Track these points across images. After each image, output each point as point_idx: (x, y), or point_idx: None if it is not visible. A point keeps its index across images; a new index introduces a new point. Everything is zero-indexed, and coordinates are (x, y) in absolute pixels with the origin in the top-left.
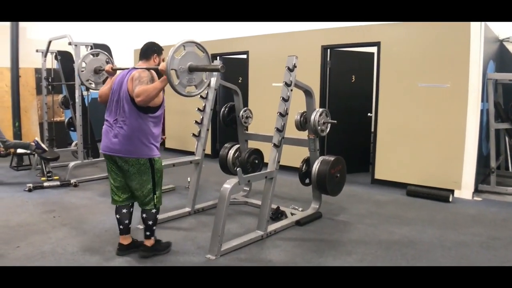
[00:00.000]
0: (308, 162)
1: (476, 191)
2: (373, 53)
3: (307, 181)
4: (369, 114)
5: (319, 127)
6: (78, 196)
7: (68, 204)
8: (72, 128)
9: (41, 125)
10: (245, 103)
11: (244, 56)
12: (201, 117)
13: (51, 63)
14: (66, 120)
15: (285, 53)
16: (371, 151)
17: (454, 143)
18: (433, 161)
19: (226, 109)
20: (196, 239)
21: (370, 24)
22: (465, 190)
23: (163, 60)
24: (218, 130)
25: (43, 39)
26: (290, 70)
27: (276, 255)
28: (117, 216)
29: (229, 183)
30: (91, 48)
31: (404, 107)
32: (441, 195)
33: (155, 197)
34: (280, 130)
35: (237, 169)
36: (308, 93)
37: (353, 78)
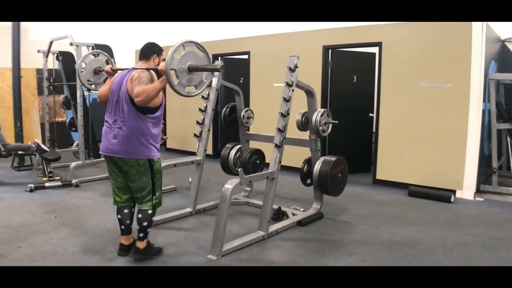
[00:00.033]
0: (309, 162)
1: (478, 191)
2: (374, 53)
3: (308, 181)
4: (370, 114)
5: (320, 128)
6: (80, 197)
7: (70, 204)
8: (73, 129)
9: (42, 125)
10: (247, 104)
11: (246, 57)
12: (203, 117)
13: (53, 63)
14: (68, 121)
15: (286, 53)
16: (372, 151)
17: (455, 143)
18: (434, 162)
19: (228, 109)
20: (198, 240)
21: (371, 24)
22: (466, 190)
23: (163, 61)
24: (219, 130)
25: (44, 39)
26: (292, 70)
27: (278, 256)
28: (119, 216)
29: (230, 184)
30: (92, 49)
31: (406, 108)
32: (443, 196)
33: (154, 198)
34: (281, 131)
35: (239, 169)
36: (309, 93)
37: (355, 78)
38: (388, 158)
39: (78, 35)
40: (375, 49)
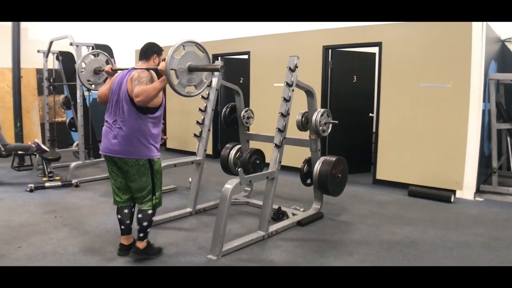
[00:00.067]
0: (309, 162)
1: (478, 191)
2: (374, 53)
3: (308, 181)
4: (370, 114)
5: (320, 128)
6: (80, 197)
7: (70, 204)
8: (73, 129)
9: (42, 125)
10: (247, 104)
11: (246, 57)
12: (203, 117)
13: (53, 63)
14: (68, 121)
15: (286, 53)
16: (372, 151)
17: (455, 143)
18: (434, 162)
19: (228, 109)
20: (198, 240)
21: (371, 24)
22: (466, 190)
23: (163, 61)
24: (219, 130)
25: (44, 39)
26: (292, 70)
27: (278, 256)
28: (119, 216)
29: (230, 184)
30: (93, 49)
31: (406, 107)
32: (443, 196)
33: (154, 198)
34: (281, 131)
35: (239, 169)
36: (309, 93)
37: (355, 78)
38: (388, 158)
39: (78, 35)
40: (375, 49)
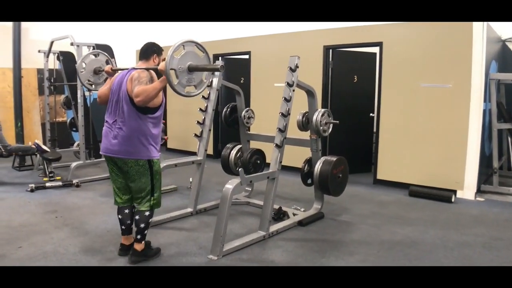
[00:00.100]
0: (310, 162)
1: (479, 191)
2: (375, 53)
3: (309, 181)
4: (371, 114)
5: (321, 127)
6: (80, 197)
7: (70, 204)
8: (74, 129)
9: (43, 125)
10: (247, 104)
11: (246, 57)
12: (203, 117)
13: (53, 63)
14: (68, 121)
15: (287, 53)
16: (373, 151)
17: (456, 143)
18: (435, 162)
19: (228, 109)
20: (198, 240)
21: (372, 24)
22: (467, 190)
23: (163, 60)
24: (220, 130)
25: (45, 39)
26: (292, 70)
27: (278, 256)
28: (119, 216)
29: (231, 184)
30: (93, 49)
31: (406, 107)
32: (444, 196)
33: (152, 199)
34: (282, 131)
35: (239, 169)
36: (310, 93)
37: (355, 78)
38: (388, 158)
39: (78, 35)
40: (375, 49)
